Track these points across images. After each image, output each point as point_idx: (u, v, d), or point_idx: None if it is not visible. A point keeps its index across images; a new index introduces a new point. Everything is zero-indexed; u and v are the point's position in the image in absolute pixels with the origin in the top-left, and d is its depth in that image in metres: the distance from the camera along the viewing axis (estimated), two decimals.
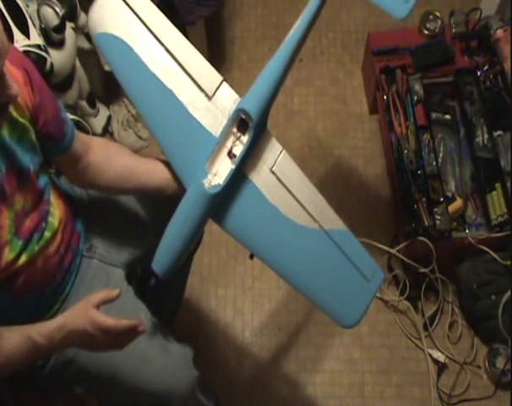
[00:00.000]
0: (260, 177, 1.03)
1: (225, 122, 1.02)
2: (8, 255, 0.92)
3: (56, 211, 1.06)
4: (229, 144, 1.01)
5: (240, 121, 1.00)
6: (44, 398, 1.29)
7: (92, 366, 1.11)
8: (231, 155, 1.00)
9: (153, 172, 1.10)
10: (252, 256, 1.08)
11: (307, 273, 1.07)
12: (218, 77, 1.04)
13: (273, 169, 1.04)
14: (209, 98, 1.03)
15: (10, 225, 0.92)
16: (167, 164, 1.09)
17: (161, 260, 1.03)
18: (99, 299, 0.93)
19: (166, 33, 1.03)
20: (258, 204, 1.04)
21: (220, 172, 1.00)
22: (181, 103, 1.02)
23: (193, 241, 1.05)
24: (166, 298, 1.51)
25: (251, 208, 1.04)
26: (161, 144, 1.05)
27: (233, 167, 0.99)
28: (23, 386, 1.23)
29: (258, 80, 1.03)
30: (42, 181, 1.01)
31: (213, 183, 0.99)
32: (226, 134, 1.00)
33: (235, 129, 1.01)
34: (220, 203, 1.02)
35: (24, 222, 0.95)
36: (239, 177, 1.01)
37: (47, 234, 1.02)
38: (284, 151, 1.06)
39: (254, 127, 0.99)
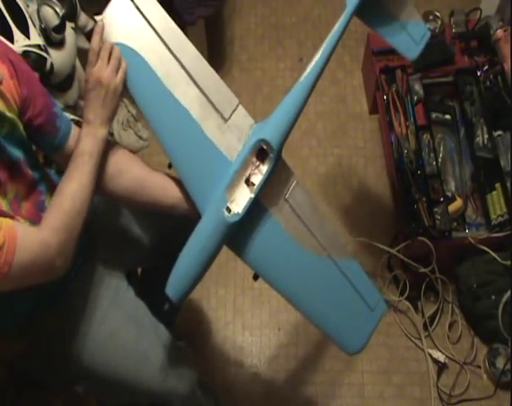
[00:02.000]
0: (275, 205, 1.04)
1: (240, 147, 1.01)
2: None
3: None
4: (247, 172, 1.00)
5: (259, 150, 1.00)
6: (44, 397, 1.29)
7: (93, 366, 1.11)
8: (248, 183, 1.00)
9: (165, 188, 1.07)
10: (256, 277, 1.08)
11: (314, 300, 1.09)
12: (234, 99, 1.03)
13: (286, 197, 1.05)
14: (225, 120, 1.02)
15: (8, 210, 0.91)
16: (179, 182, 1.06)
17: (176, 286, 1.02)
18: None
19: (182, 48, 1.01)
20: (271, 231, 1.04)
21: (237, 199, 0.99)
22: (196, 123, 1.01)
23: (209, 267, 1.04)
24: (167, 298, 1.51)
25: (265, 235, 1.04)
26: (173, 161, 1.03)
27: (252, 195, 0.99)
28: (24, 385, 1.23)
29: (280, 110, 1.02)
30: (35, 173, 0.99)
31: (233, 212, 0.98)
32: (244, 162, 0.99)
33: (254, 158, 1.00)
34: (236, 230, 1.01)
35: (21, 212, 0.95)
36: (255, 205, 1.01)
37: None
38: (297, 180, 1.06)
39: (275, 157, 0.99)
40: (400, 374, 1.78)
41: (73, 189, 0.93)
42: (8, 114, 0.89)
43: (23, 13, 1.46)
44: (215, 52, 2.30)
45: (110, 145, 1.06)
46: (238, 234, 1.02)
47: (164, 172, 1.09)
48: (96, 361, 1.10)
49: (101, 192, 1.07)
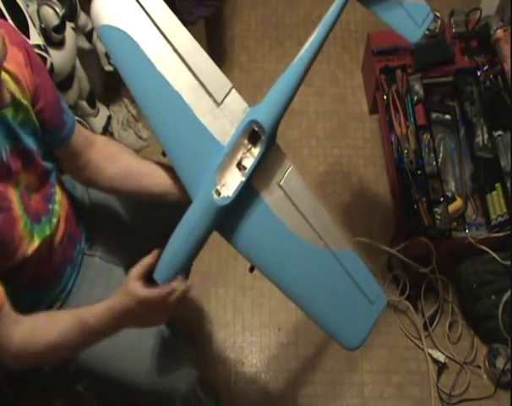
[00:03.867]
0: (268, 190, 1.01)
1: (233, 131, 0.99)
2: (23, 230, 0.92)
3: (61, 199, 1.07)
4: (239, 155, 0.98)
5: (251, 132, 0.98)
6: (44, 397, 1.29)
7: (94, 365, 1.11)
8: (240, 166, 0.98)
9: (155, 176, 1.08)
10: (252, 269, 1.06)
11: (311, 291, 1.05)
12: (227, 83, 1.01)
13: (280, 183, 1.02)
14: (218, 104, 1.00)
15: (18, 202, 0.92)
16: (170, 169, 1.06)
17: (164, 270, 1.00)
18: (138, 271, 0.95)
19: (174, 32, 0.99)
20: (263, 217, 1.01)
21: (228, 183, 0.97)
22: (188, 107, 0.99)
23: (198, 252, 1.03)
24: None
25: (256, 221, 1.01)
26: (165, 146, 1.02)
27: (243, 179, 0.96)
28: (23, 385, 1.24)
29: (272, 92, 1.00)
30: (47, 164, 1.00)
31: (222, 195, 0.96)
32: (236, 144, 0.97)
33: (246, 141, 0.98)
34: (228, 213, 1.00)
35: (30, 203, 0.96)
36: (246, 189, 0.99)
37: (54, 220, 1.03)
38: (292, 166, 1.03)
39: (267, 140, 0.97)
40: (400, 374, 1.78)
41: (54, 339, 0.92)
42: (24, 101, 0.90)
43: (23, 13, 1.47)
44: (215, 52, 2.30)
45: (99, 135, 1.07)
46: (229, 219, 1.00)
47: (154, 161, 1.10)
48: (97, 361, 1.11)
49: (91, 181, 1.09)
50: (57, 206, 1.04)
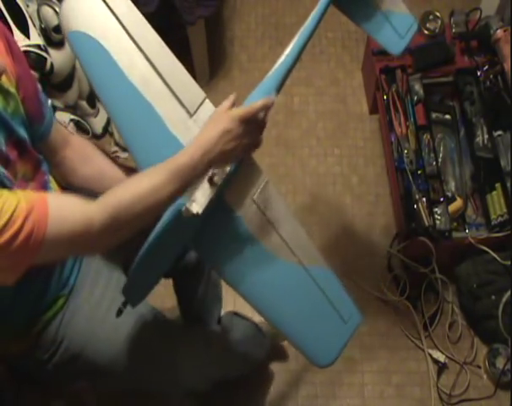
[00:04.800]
0: (241, 205, 0.98)
1: None
2: None
3: (56, 188, 1.06)
4: (210, 170, 0.94)
5: None
6: (44, 396, 1.29)
7: (100, 360, 1.11)
8: (211, 182, 0.94)
9: None
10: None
11: (281, 307, 1.02)
12: (201, 93, 0.98)
13: (254, 198, 0.99)
14: (191, 115, 0.97)
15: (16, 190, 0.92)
16: None
17: (132, 283, 0.99)
18: (225, 104, 0.92)
19: (147, 39, 0.96)
20: (236, 232, 0.99)
21: (198, 198, 0.93)
22: (160, 118, 0.96)
23: (167, 265, 1.01)
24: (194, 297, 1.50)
25: (229, 236, 0.99)
26: (135, 157, 0.99)
27: (213, 195, 0.93)
28: (24, 385, 1.24)
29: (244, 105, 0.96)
30: (39, 153, 0.99)
31: (191, 211, 0.92)
32: None
33: None
34: (198, 229, 0.97)
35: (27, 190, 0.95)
36: (219, 204, 0.96)
37: None
38: (267, 181, 1.00)
39: None
40: (400, 374, 1.78)
41: (145, 190, 0.85)
42: (12, 90, 0.89)
43: (23, 13, 1.47)
44: (215, 52, 2.30)
45: (76, 135, 1.07)
46: (200, 234, 0.98)
47: (129, 167, 1.09)
48: (103, 355, 1.11)
49: (65, 179, 1.08)
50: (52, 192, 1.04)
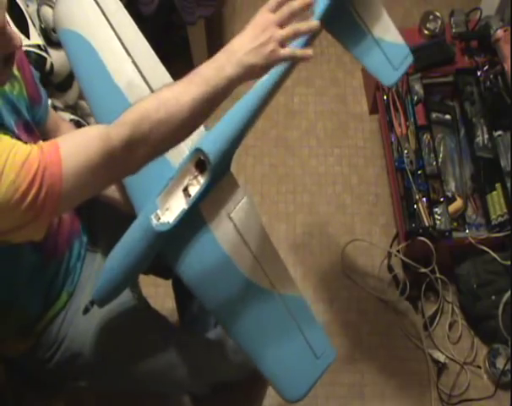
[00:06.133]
0: (216, 220, 0.95)
1: (186, 153, 0.94)
2: None
3: None
4: (185, 181, 0.92)
5: (198, 160, 0.92)
6: (44, 397, 1.29)
7: (100, 359, 1.11)
8: (186, 193, 0.92)
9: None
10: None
11: (251, 333, 0.98)
12: None
13: (231, 215, 0.95)
14: None
15: None
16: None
17: (100, 287, 0.98)
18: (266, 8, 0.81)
19: (135, 44, 0.97)
20: (208, 248, 0.95)
21: (172, 208, 0.91)
22: None
23: (136, 273, 1.00)
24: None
25: (200, 251, 0.95)
26: None
27: (186, 207, 0.90)
28: (24, 385, 1.24)
29: (224, 119, 0.93)
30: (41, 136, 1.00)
31: (162, 220, 0.89)
32: (182, 170, 0.92)
33: (193, 168, 0.92)
34: (170, 241, 0.94)
35: None
36: (194, 216, 0.93)
37: None
38: (246, 198, 0.96)
39: (212, 170, 0.90)
40: (400, 374, 1.77)
41: (166, 96, 0.77)
42: (16, 73, 0.89)
43: (23, 13, 1.47)
44: (215, 52, 2.29)
45: (66, 121, 1.07)
46: (172, 245, 0.95)
47: None
48: (103, 355, 1.11)
49: None
50: None
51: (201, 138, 0.93)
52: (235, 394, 1.29)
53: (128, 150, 0.75)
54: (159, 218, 0.90)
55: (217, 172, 0.92)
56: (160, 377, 1.14)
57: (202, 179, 0.91)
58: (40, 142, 0.74)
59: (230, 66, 0.79)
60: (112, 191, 1.09)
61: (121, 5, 0.99)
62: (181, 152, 0.95)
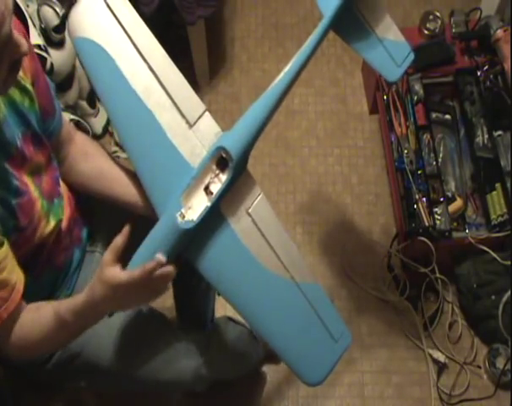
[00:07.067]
0: (236, 216, 0.99)
1: (204, 153, 0.97)
2: (41, 211, 0.93)
3: (63, 183, 1.07)
4: (206, 179, 0.96)
5: (219, 158, 0.96)
6: (44, 399, 1.29)
7: (99, 359, 1.11)
8: (207, 191, 0.95)
9: (125, 184, 1.05)
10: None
11: (272, 322, 1.02)
12: (201, 105, 1.00)
13: (249, 211, 1.00)
14: (190, 126, 0.98)
15: (33, 185, 0.93)
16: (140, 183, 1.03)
17: None
18: (108, 257, 0.89)
19: (151, 50, 0.99)
20: (229, 243, 0.99)
21: (194, 206, 0.94)
22: (160, 126, 0.98)
23: None
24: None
25: (222, 247, 0.99)
26: (134, 163, 1.01)
27: (209, 204, 0.94)
28: (23, 387, 1.24)
29: (244, 118, 0.98)
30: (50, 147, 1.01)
31: (187, 218, 0.93)
32: (204, 168, 0.96)
33: (214, 166, 0.96)
34: (192, 238, 0.97)
35: (42, 185, 0.96)
36: (214, 214, 0.96)
37: (62, 203, 1.03)
38: (262, 195, 1.01)
39: (234, 167, 0.94)
40: (400, 374, 1.78)
41: (52, 337, 0.93)
42: (28, 87, 0.90)
43: (23, 13, 1.47)
44: (215, 52, 2.30)
45: (79, 132, 1.07)
46: (194, 242, 0.98)
47: (129, 170, 1.08)
48: (103, 354, 1.12)
49: (65, 175, 1.08)
50: (61, 190, 1.05)
51: (221, 137, 0.97)
52: (233, 390, 1.29)
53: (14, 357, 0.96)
54: (183, 216, 0.93)
55: (237, 170, 0.96)
56: (160, 376, 1.15)
57: (223, 177, 0.95)
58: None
59: (104, 307, 0.93)
60: (131, 195, 1.08)
61: (134, 12, 1.00)
62: (197, 152, 0.98)
